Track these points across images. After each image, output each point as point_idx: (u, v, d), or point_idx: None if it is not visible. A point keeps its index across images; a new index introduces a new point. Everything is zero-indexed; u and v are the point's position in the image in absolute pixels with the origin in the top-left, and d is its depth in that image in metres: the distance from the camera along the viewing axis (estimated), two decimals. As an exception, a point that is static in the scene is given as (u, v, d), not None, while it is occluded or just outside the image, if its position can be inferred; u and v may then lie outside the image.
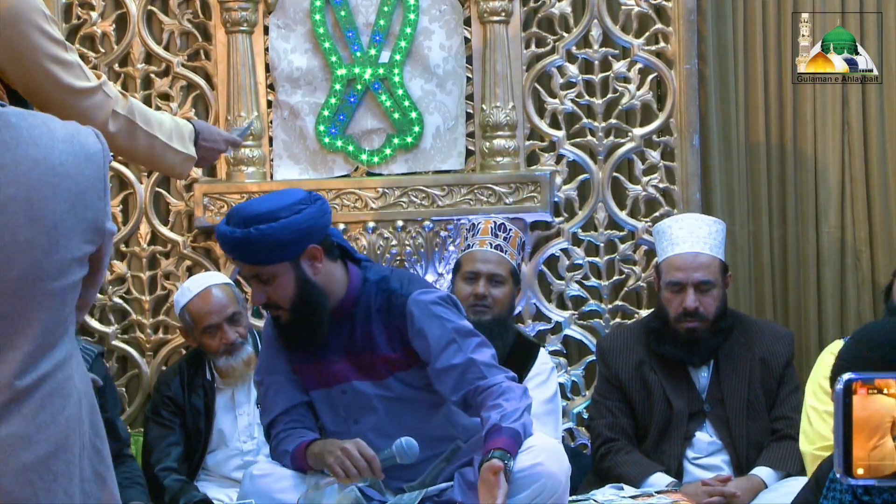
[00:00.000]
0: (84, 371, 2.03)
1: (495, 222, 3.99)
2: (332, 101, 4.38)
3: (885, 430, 1.73)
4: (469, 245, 3.96)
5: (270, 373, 3.34)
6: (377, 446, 3.15)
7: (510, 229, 3.98)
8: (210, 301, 3.94)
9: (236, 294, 4.02)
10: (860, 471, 1.72)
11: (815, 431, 3.48)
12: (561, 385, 4.28)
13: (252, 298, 3.25)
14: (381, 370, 3.23)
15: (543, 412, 3.78)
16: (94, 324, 4.51)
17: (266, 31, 4.43)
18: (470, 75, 4.40)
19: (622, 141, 4.41)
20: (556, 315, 4.42)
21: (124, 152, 2.97)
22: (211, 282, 4.01)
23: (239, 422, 3.96)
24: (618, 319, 4.41)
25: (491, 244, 3.93)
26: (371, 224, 4.32)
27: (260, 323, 4.39)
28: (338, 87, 4.37)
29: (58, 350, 1.93)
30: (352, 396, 3.26)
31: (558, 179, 4.39)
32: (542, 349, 3.98)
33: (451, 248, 4.32)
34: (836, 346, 3.30)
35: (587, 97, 4.41)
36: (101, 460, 2.01)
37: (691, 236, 3.85)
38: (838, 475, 1.74)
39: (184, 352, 4.41)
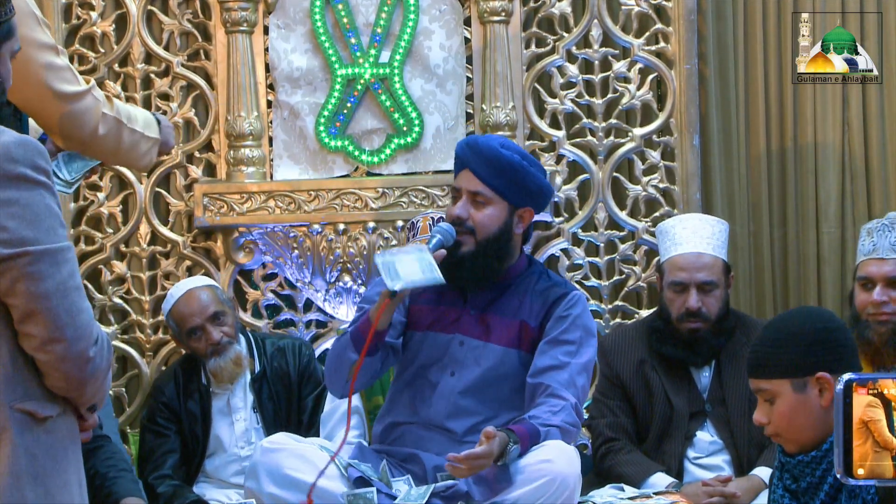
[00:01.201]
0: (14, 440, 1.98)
1: (433, 218, 3.94)
2: (332, 101, 4.38)
3: (860, 432, 1.73)
4: None
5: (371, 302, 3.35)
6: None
7: None
8: (191, 303, 3.93)
9: (220, 295, 4.00)
10: (860, 471, 1.72)
11: None
12: (561, 385, 4.28)
13: (456, 209, 3.33)
14: (509, 337, 3.33)
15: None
16: (94, 324, 4.50)
17: (266, 31, 4.42)
18: (470, 75, 4.40)
19: (622, 141, 4.41)
20: (557, 315, 4.42)
21: (108, 153, 2.94)
22: (193, 285, 4.01)
23: (236, 427, 3.94)
24: (618, 320, 4.40)
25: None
26: (371, 224, 4.31)
27: (259, 323, 4.41)
28: (338, 87, 4.37)
29: None
30: (466, 350, 3.34)
31: (558, 179, 4.39)
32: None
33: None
34: None
35: (587, 97, 4.41)
36: None
37: (694, 236, 3.85)
38: (838, 475, 1.73)
39: (184, 352, 4.41)
